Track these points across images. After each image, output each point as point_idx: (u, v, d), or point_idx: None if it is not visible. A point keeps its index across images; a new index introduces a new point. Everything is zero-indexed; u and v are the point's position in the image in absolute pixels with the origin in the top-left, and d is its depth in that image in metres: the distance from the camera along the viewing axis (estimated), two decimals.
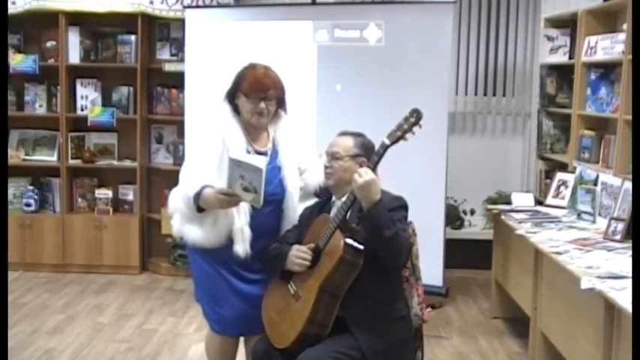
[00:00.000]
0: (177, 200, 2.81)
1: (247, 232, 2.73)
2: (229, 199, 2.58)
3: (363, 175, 2.41)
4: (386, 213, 2.43)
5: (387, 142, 2.45)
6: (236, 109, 2.84)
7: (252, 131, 2.85)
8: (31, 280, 5.20)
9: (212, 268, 2.83)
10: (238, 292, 2.82)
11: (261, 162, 2.52)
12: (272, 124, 2.90)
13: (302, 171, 2.93)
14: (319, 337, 2.50)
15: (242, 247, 2.73)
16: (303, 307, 2.53)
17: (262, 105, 2.77)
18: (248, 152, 2.78)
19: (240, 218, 2.72)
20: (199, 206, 2.69)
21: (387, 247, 2.42)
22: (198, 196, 2.66)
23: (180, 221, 2.86)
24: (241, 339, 3.03)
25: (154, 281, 5.31)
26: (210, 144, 2.78)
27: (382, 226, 2.40)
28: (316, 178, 2.89)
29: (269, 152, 2.84)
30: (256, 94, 2.76)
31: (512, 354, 4.02)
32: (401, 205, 2.58)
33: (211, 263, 2.82)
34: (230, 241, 2.74)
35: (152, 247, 5.61)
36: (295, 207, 2.84)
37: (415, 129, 2.43)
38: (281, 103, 2.88)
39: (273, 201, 2.78)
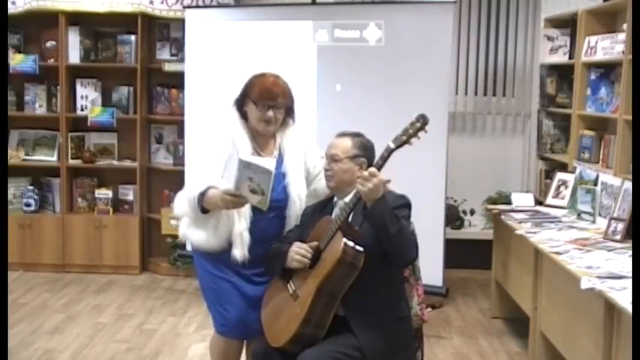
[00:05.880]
0: (182, 202, 2.83)
1: (246, 236, 2.74)
2: (235, 199, 2.57)
3: (368, 181, 2.39)
4: (389, 209, 2.43)
5: (392, 145, 2.45)
6: (244, 116, 2.84)
7: (259, 138, 2.85)
8: (31, 280, 5.20)
9: (217, 270, 2.83)
10: (242, 293, 2.82)
11: (271, 164, 2.52)
12: (279, 131, 2.89)
13: (313, 176, 2.93)
14: (314, 337, 2.50)
15: (240, 252, 2.73)
16: (300, 307, 2.53)
17: (270, 113, 2.77)
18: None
19: (241, 223, 2.73)
20: (203, 207, 2.69)
21: (396, 242, 2.42)
22: (202, 196, 2.66)
23: (186, 225, 2.88)
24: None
25: (154, 281, 5.31)
26: (219, 147, 2.79)
27: (387, 221, 2.40)
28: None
29: (275, 159, 2.83)
30: (265, 101, 2.76)
31: (512, 354, 4.02)
32: (404, 204, 2.59)
33: (216, 265, 2.83)
34: (231, 245, 2.75)
35: (152, 247, 5.60)
36: (298, 215, 2.83)
37: (420, 134, 2.44)
38: (289, 112, 2.88)
39: (276, 207, 2.77)
